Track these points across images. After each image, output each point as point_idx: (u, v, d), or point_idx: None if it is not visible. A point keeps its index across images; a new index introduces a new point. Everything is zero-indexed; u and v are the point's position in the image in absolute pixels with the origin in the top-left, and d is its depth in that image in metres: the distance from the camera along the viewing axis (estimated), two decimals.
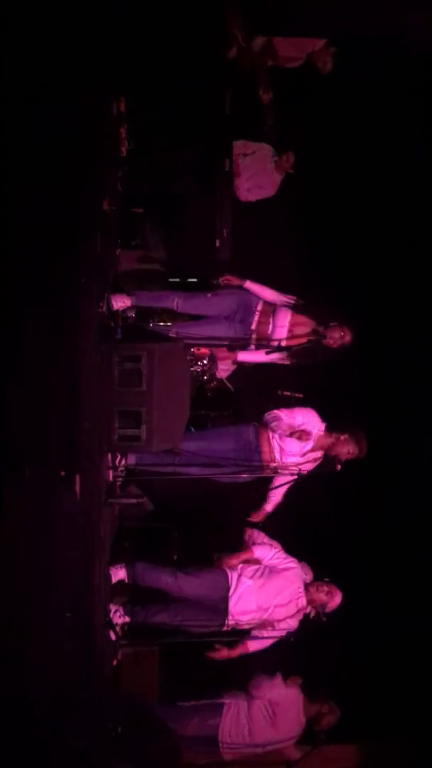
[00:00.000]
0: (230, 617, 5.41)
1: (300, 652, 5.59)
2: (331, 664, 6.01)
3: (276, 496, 5.73)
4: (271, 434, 5.67)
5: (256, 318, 5.91)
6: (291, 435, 5.58)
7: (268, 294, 5.99)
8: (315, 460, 5.66)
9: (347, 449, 5.59)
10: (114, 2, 5.25)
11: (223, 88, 6.30)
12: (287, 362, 5.95)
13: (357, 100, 6.75)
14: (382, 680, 6.20)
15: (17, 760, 3.47)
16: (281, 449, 5.64)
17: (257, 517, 5.71)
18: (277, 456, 5.65)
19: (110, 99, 5.74)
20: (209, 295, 6.00)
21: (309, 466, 5.64)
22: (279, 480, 5.65)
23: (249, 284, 5.99)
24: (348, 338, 5.79)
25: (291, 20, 6.09)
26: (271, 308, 5.95)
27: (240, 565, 5.48)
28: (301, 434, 5.57)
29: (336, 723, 5.50)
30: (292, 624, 5.48)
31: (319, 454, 5.65)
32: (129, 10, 5.45)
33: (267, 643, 5.49)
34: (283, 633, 5.45)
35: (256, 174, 6.68)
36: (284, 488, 5.69)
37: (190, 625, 5.43)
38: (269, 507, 5.74)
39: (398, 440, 6.44)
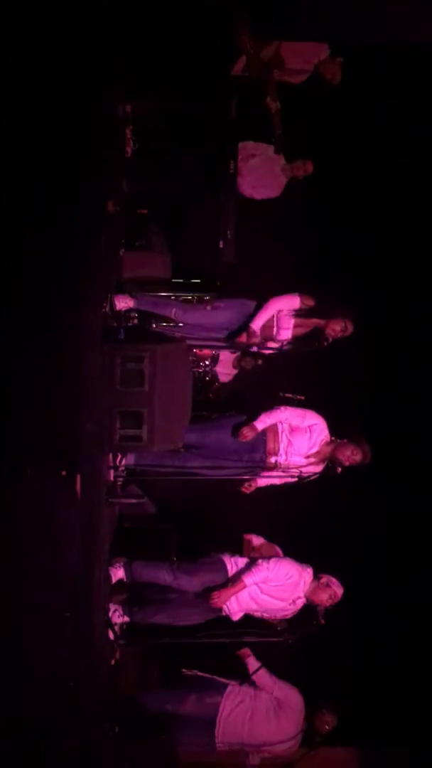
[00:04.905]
0: (224, 612, 5.44)
1: (301, 658, 5.60)
2: (332, 669, 6.03)
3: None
4: (280, 427, 5.68)
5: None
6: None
7: (272, 310, 5.97)
8: (317, 465, 5.66)
9: (349, 452, 5.60)
10: (123, 3, 5.26)
11: (229, 92, 6.32)
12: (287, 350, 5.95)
13: (360, 106, 6.77)
14: (383, 688, 6.21)
15: (15, 759, 3.48)
16: (289, 442, 5.65)
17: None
18: (282, 447, 5.64)
19: (116, 100, 5.76)
20: (209, 308, 6.00)
21: (310, 470, 5.64)
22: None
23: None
24: (350, 329, 5.80)
25: (295, 25, 6.09)
26: (273, 315, 5.95)
27: (238, 563, 5.47)
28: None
29: (335, 728, 5.50)
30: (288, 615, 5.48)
31: (321, 466, 5.64)
32: (138, 11, 5.47)
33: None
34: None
35: (263, 175, 6.71)
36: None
37: (187, 623, 5.44)
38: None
39: (400, 444, 6.47)
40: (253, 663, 5.48)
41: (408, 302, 6.79)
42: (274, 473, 5.67)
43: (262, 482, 5.70)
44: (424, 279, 6.72)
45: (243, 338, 5.89)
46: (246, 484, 5.70)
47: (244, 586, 5.34)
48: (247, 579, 5.33)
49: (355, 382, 6.79)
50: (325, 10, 5.88)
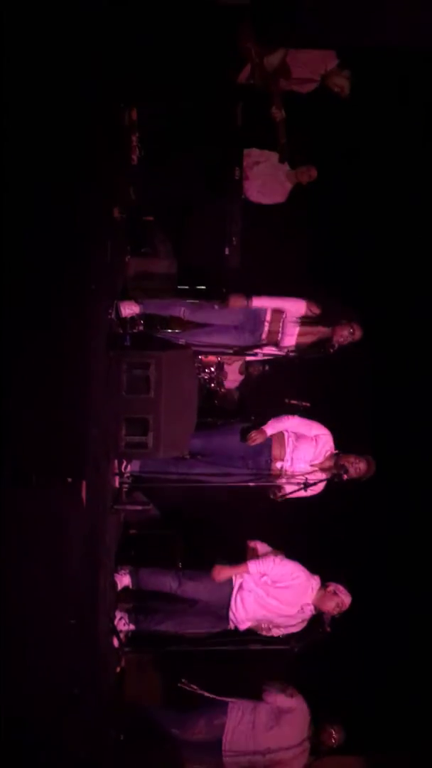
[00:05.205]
0: (232, 623, 5.42)
1: (304, 664, 5.58)
2: (335, 675, 6.00)
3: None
4: (286, 434, 5.68)
5: (266, 328, 5.92)
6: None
7: (276, 303, 5.97)
8: (321, 474, 5.66)
9: (352, 458, 5.60)
10: (128, 11, 5.28)
11: (234, 99, 6.33)
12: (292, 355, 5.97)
13: (363, 110, 6.77)
14: (383, 692, 6.19)
15: (16, 762, 3.47)
16: (294, 448, 5.65)
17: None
18: (288, 453, 5.64)
19: (122, 106, 5.77)
20: (216, 306, 5.99)
21: (315, 477, 5.63)
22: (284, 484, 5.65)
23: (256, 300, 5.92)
24: (358, 333, 5.79)
25: (296, 29, 6.08)
26: (280, 317, 5.95)
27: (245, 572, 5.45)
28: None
29: (341, 744, 5.49)
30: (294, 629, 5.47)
31: (325, 475, 5.64)
32: (143, 19, 5.48)
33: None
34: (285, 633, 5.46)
35: (268, 182, 6.73)
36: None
37: (194, 632, 5.43)
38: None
39: (407, 450, 6.46)
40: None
41: (416, 308, 6.77)
42: (280, 480, 5.66)
43: (289, 489, 5.67)
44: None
45: (239, 299, 5.84)
46: (279, 495, 5.68)
47: (247, 571, 5.33)
48: (252, 566, 5.34)
49: (361, 389, 6.78)
50: (327, 13, 5.86)
